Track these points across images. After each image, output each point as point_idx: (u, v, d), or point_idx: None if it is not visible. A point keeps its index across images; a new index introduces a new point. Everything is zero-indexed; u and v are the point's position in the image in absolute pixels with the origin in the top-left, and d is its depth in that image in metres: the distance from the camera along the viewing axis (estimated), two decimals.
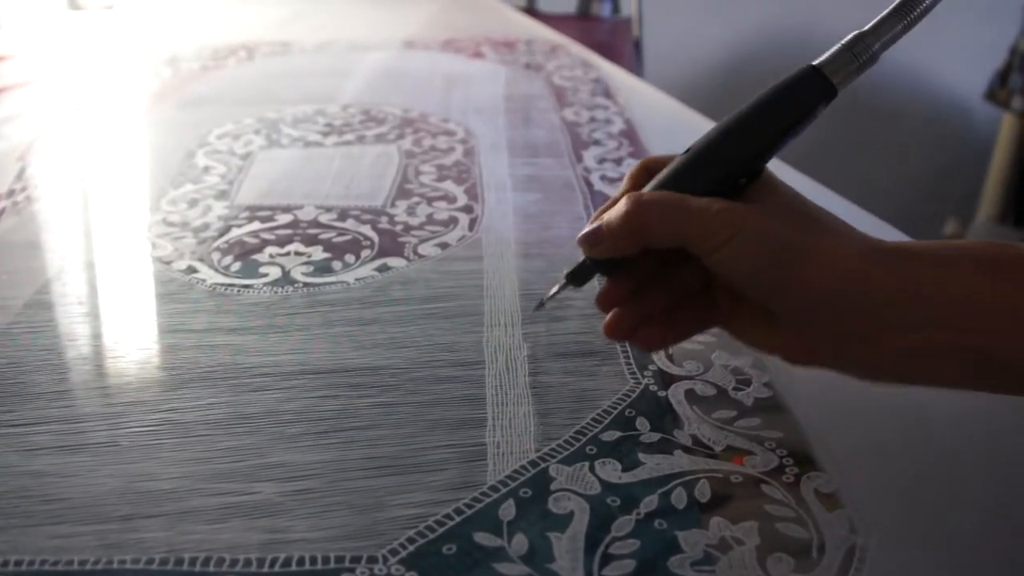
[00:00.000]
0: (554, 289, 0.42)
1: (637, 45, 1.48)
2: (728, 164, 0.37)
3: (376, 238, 0.58)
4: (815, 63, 0.37)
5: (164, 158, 0.74)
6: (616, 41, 1.48)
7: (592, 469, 0.38)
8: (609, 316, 0.39)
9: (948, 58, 1.75)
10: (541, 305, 0.43)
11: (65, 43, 1.18)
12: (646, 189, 0.38)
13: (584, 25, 1.60)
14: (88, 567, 0.33)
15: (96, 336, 0.48)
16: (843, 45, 0.36)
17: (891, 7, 0.36)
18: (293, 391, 0.43)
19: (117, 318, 0.50)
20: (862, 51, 0.36)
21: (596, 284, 0.40)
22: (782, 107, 0.37)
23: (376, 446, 0.39)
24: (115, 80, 0.98)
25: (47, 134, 0.79)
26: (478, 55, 1.07)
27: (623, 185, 0.40)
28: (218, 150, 0.75)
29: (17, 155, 0.74)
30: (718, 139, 0.37)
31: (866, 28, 0.36)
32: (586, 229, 0.39)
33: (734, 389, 0.43)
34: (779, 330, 0.36)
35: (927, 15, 0.36)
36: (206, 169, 0.71)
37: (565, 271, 0.41)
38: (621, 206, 0.37)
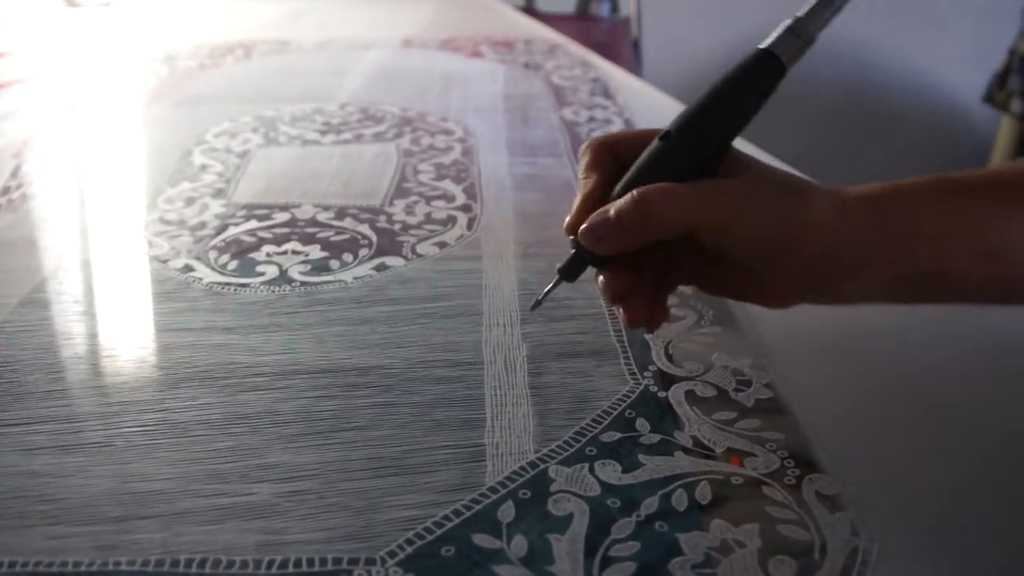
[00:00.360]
0: (548, 286, 0.43)
1: (636, 45, 1.48)
2: (707, 146, 0.40)
3: (374, 237, 0.58)
4: (764, 46, 0.40)
5: (161, 156, 0.74)
6: (615, 41, 1.47)
7: (592, 470, 0.37)
8: (628, 311, 0.41)
9: (946, 60, 1.75)
10: (537, 304, 0.44)
11: (62, 40, 1.18)
12: (628, 176, 0.40)
13: (583, 25, 1.60)
14: (83, 568, 0.33)
15: (92, 335, 0.47)
16: (786, 28, 0.40)
17: None
18: (290, 391, 0.42)
19: (113, 317, 0.49)
20: (802, 31, 0.40)
21: (591, 281, 0.40)
22: (747, 88, 0.40)
23: (374, 447, 0.39)
24: (112, 78, 0.98)
25: (43, 131, 0.79)
26: (477, 54, 1.06)
27: (583, 167, 0.42)
28: (215, 148, 0.74)
29: (13, 152, 0.74)
30: (695, 123, 0.40)
31: (801, 13, 0.40)
32: (592, 220, 0.39)
33: (735, 390, 0.43)
34: (754, 281, 0.41)
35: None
36: (203, 167, 0.70)
37: (557, 267, 0.42)
38: (631, 199, 0.38)
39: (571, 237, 0.41)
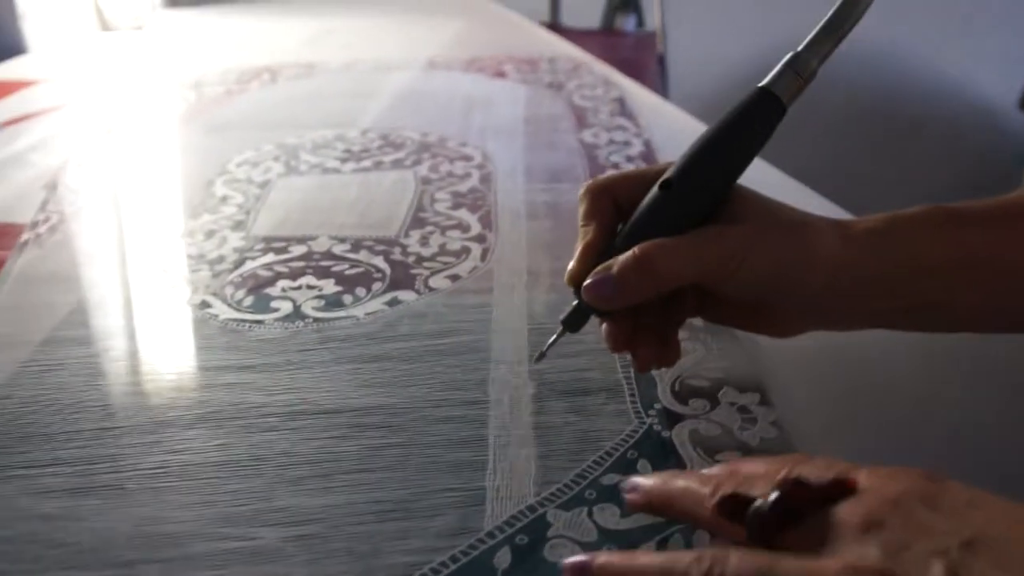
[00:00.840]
0: (552, 338, 0.44)
1: (661, 60, 1.47)
2: (708, 193, 0.40)
3: (388, 270, 0.59)
4: (763, 85, 0.40)
5: (185, 187, 0.75)
6: (641, 56, 1.47)
7: (590, 514, 0.37)
8: (636, 358, 0.42)
9: (978, 65, 1.71)
10: (541, 356, 0.45)
11: (95, 65, 1.21)
12: (628, 228, 0.40)
13: (608, 40, 1.60)
14: None
15: (108, 375, 0.49)
16: (785, 64, 0.40)
17: (820, 24, 0.40)
18: (299, 432, 0.43)
19: (130, 357, 0.50)
20: (803, 68, 0.39)
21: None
22: (746, 131, 0.40)
23: (379, 490, 0.39)
24: (143, 104, 1.00)
25: (75, 161, 0.81)
26: (500, 74, 1.07)
27: (581, 214, 0.42)
28: (237, 179, 0.76)
29: (44, 182, 0.76)
30: (694, 170, 0.40)
31: (801, 48, 0.40)
32: (594, 279, 0.40)
33: (739, 428, 0.42)
34: (760, 313, 0.42)
35: (855, 27, 0.40)
36: (224, 199, 0.72)
37: (560, 318, 0.42)
38: (633, 257, 0.39)
39: (573, 289, 0.41)
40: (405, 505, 0.38)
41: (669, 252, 0.38)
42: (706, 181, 0.40)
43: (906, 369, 0.48)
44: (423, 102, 0.96)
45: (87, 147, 0.86)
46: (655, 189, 0.40)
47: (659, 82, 1.43)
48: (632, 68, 1.14)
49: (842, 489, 0.30)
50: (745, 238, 0.39)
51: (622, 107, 0.92)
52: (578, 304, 0.42)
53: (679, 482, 0.34)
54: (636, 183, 0.42)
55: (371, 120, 0.90)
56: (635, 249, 0.39)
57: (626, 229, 0.41)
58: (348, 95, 0.99)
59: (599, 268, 0.40)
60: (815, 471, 0.31)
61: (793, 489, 0.30)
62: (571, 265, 0.41)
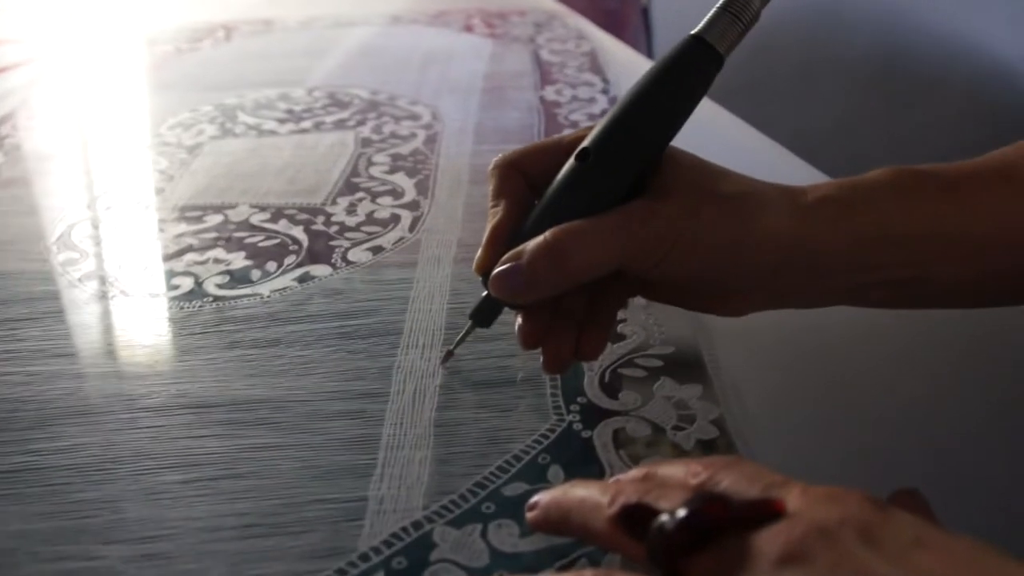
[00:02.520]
0: (460, 335, 0.39)
1: (645, 12, 1.39)
2: (632, 163, 0.34)
3: (306, 241, 0.53)
4: (695, 32, 0.34)
5: (111, 152, 0.70)
6: (625, 9, 1.39)
7: (484, 533, 0.32)
8: (544, 353, 0.37)
9: (993, 19, 1.62)
10: (449, 355, 0.40)
11: (47, 23, 1.14)
12: (542, 207, 0.35)
13: None
14: None
15: None
16: (720, 7, 0.33)
17: None
18: (165, 429, 0.38)
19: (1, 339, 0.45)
20: (741, 10, 0.33)
21: None
22: (673, 90, 0.33)
23: (244, 499, 0.34)
24: (87, 66, 0.94)
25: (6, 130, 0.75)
26: (468, 28, 1.00)
27: (492, 194, 0.36)
28: (167, 142, 0.70)
29: None
30: (613, 139, 0.33)
31: None
32: (502, 269, 0.34)
33: (673, 428, 0.37)
34: (704, 292, 0.36)
35: None
36: (151, 164, 0.66)
37: (468, 312, 0.37)
38: (544, 246, 0.33)
39: (481, 278, 0.36)
40: (272, 519, 0.33)
41: (585, 238, 0.33)
42: (630, 149, 0.34)
43: (876, 362, 0.42)
44: (379, 58, 0.90)
45: (15, 112, 0.80)
46: (571, 160, 0.34)
47: (642, 37, 1.35)
48: (614, 21, 1.06)
49: (766, 511, 0.24)
50: (675, 217, 0.33)
51: (592, 62, 0.85)
52: (487, 296, 0.36)
53: (578, 491, 0.28)
54: (551, 154, 0.36)
55: (320, 78, 0.84)
56: (546, 235, 0.33)
57: (538, 209, 0.35)
58: (301, 53, 0.93)
59: (507, 256, 0.34)
60: (739, 483, 0.25)
61: (707, 506, 0.24)
62: (479, 252, 0.36)
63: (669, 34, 1.41)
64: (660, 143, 0.34)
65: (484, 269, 0.35)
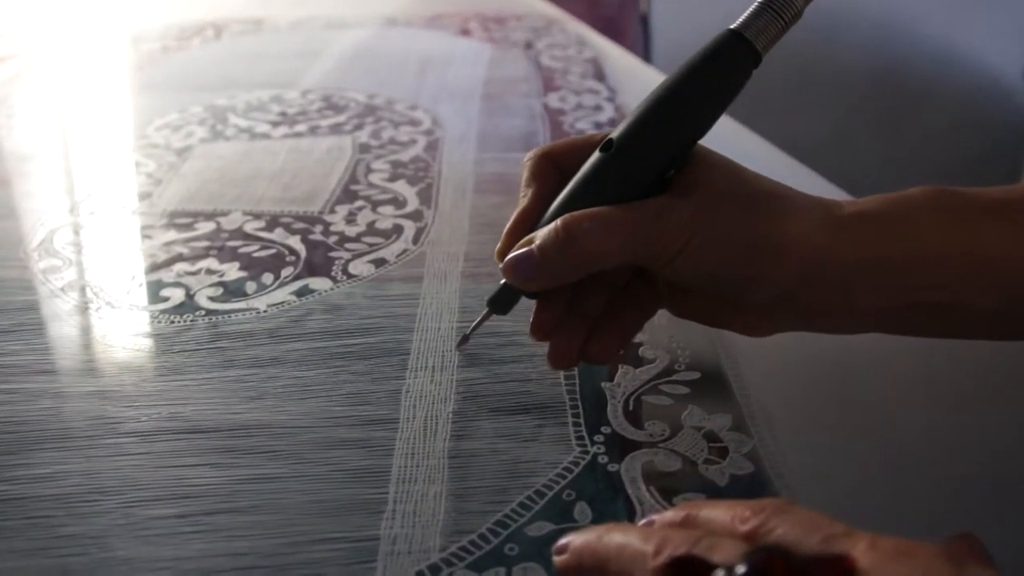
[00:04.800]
0: (476, 320, 0.38)
1: (644, 20, 1.37)
2: (657, 158, 0.33)
3: (303, 252, 0.50)
4: (734, 27, 0.32)
5: (94, 154, 0.66)
6: (623, 16, 1.37)
7: None
8: (551, 346, 0.36)
9: (985, 33, 1.62)
10: (464, 339, 0.40)
11: (35, 20, 1.10)
12: (564, 196, 0.34)
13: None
14: None
15: None
16: (761, 2, 0.32)
17: None
18: (158, 457, 0.35)
19: None
20: (783, 7, 0.32)
21: None
22: (704, 87, 0.32)
23: (243, 537, 0.31)
24: (74, 64, 0.91)
25: None
26: (465, 32, 0.97)
27: (524, 183, 0.36)
28: (154, 144, 0.67)
29: None
30: (643, 131, 0.33)
31: None
32: (515, 255, 0.34)
33: (705, 462, 0.34)
34: (735, 308, 0.34)
35: None
36: (135, 166, 0.63)
37: (487, 298, 0.37)
38: (555, 232, 0.32)
39: (500, 263, 0.35)
40: (274, 559, 0.30)
41: (596, 227, 0.32)
42: (652, 143, 0.33)
43: (908, 386, 0.40)
44: (374, 62, 0.87)
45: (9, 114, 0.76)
46: (596, 152, 0.34)
47: (641, 44, 1.33)
48: (613, 28, 1.04)
49: (836, 569, 0.22)
50: (692, 212, 0.32)
51: (595, 69, 0.83)
52: (505, 283, 0.36)
53: (616, 537, 0.26)
54: (585, 149, 0.35)
55: (314, 80, 0.81)
56: (558, 221, 0.32)
57: (558, 200, 0.34)
58: (294, 54, 0.90)
59: (521, 242, 0.34)
60: (797, 532, 0.23)
61: (768, 561, 0.22)
62: (501, 238, 0.36)
63: (668, 42, 1.40)
64: (686, 140, 0.33)
65: (504, 255, 0.35)
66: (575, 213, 0.32)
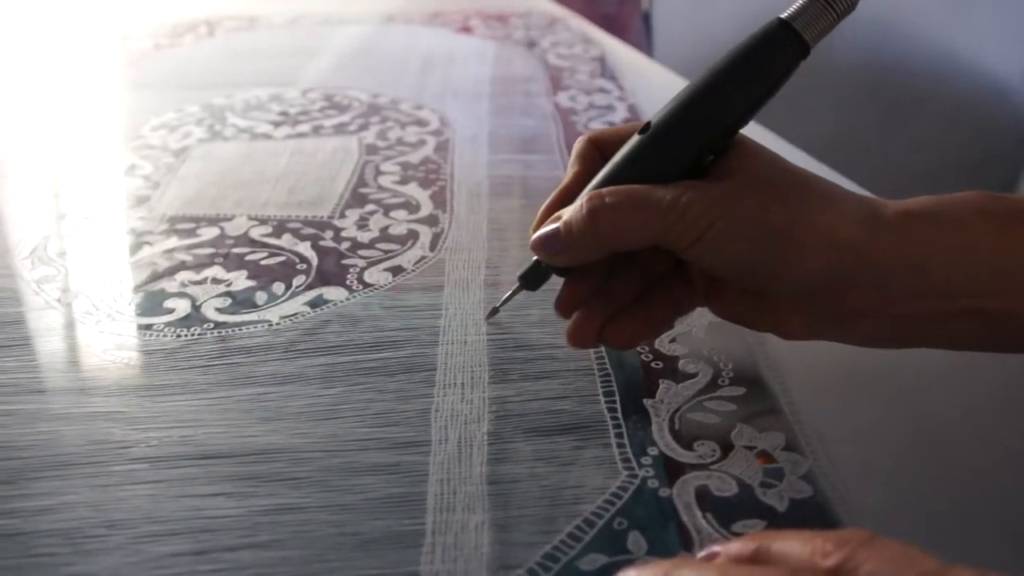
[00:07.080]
0: (507, 293, 0.39)
1: (647, 18, 1.35)
2: (693, 143, 0.32)
3: (315, 260, 0.47)
4: (784, 16, 0.31)
5: (87, 155, 0.63)
6: (624, 14, 1.35)
7: None
8: (571, 322, 0.36)
9: (984, 35, 1.61)
10: (494, 311, 0.40)
11: (22, 16, 1.07)
12: (599, 176, 0.34)
13: None
14: None
15: None
16: None
17: None
18: (169, 484, 0.32)
19: None
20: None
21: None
22: (751, 73, 0.31)
23: (272, 573, 0.28)
24: (64, 60, 0.87)
25: None
26: (466, 29, 0.95)
27: (570, 167, 0.36)
28: (150, 145, 0.64)
29: None
30: (680, 115, 0.32)
31: None
32: (542, 231, 0.34)
33: (761, 485, 0.32)
34: (770, 306, 0.33)
35: None
36: (131, 168, 0.60)
37: (519, 273, 0.37)
38: (580, 208, 0.32)
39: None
40: None
41: (618, 203, 0.31)
42: (688, 128, 0.32)
43: (966, 400, 0.38)
44: (376, 59, 0.84)
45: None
46: (635, 135, 0.33)
47: (643, 43, 1.31)
48: (615, 27, 1.02)
49: None
50: (718, 196, 0.31)
51: (603, 67, 0.81)
52: (537, 259, 0.36)
53: (686, 573, 0.24)
54: (628, 136, 0.34)
55: (314, 79, 0.78)
56: (583, 196, 0.32)
57: (595, 179, 0.34)
58: (291, 51, 0.87)
59: (551, 218, 0.33)
60: (889, 569, 0.21)
61: None
62: (538, 214, 0.36)
63: (671, 40, 1.37)
64: (724, 127, 0.32)
65: (537, 231, 0.35)
66: (600, 191, 0.32)
